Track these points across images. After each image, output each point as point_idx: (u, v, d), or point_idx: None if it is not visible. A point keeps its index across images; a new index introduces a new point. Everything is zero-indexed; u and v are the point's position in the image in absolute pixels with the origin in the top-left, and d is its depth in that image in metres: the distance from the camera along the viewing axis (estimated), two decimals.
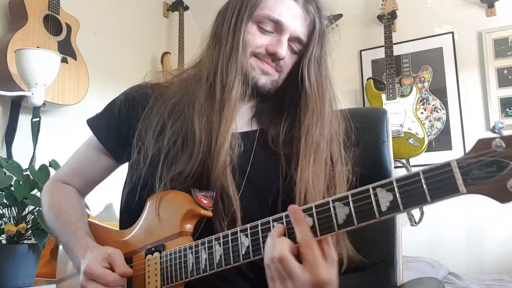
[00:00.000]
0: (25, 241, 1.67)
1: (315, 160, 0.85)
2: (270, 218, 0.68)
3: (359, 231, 0.83)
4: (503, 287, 2.08)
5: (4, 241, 1.65)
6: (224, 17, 0.91)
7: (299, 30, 0.89)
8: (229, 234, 0.71)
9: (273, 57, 0.88)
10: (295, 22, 0.88)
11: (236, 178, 0.84)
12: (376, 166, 1.16)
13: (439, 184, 0.54)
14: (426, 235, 2.72)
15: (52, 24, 2.20)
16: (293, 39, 0.89)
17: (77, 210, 0.97)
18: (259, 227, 0.68)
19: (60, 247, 1.06)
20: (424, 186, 0.55)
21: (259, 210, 0.85)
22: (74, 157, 1.05)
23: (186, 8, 3.28)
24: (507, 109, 2.72)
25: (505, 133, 0.52)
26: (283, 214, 0.67)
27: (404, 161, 2.79)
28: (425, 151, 2.74)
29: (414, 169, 2.51)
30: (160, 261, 0.79)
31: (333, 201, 0.62)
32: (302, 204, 0.79)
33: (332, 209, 0.62)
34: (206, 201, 0.80)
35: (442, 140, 2.86)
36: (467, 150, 0.54)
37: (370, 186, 0.60)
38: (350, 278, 0.93)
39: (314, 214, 0.63)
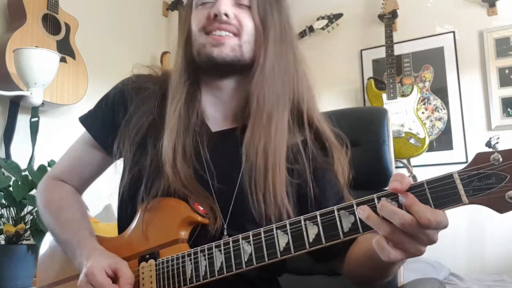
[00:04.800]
0: (24, 242, 1.67)
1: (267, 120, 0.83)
2: (274, 226, 0.68)
3: None
4: None
5: (2, 242, 1.65)
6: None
7: None
8: (231, 241, 0.72)
9: (217, 19, 0.82)
10: None
11: (230, 178, 0.84)
12: (377, 166, 1.16)
13: (442, 194, 0.58)
14: None
15: (51, 23, 2.19)
16: None
17: (80, 209, 0.96)
18: (262, 235, 0.69)
19: (42, 251, 1.03)
20: (428, 196, 0.58)
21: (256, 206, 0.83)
22: (67, 154, 1.03)
23: None
24: (509, 109, 2.71)
25: (500, 147, 0.57)
26: (287, 221, 0.68)
27: (405, 161, 2.78)
28: (426, 151, 2.73)
29: (415, 169, 2.49)
30: (156, 268, 0.78)
31: (338, 209, 0.64)
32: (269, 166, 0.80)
33: (337, 217, 0.64)
34: (202, 208, 0.80)
35: (443, 140, 2.85)
36: (467, 163, 0.58)
37: (375, 196, 0.62)
38: None
39: (319, 221, 0.65)
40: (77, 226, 0.90)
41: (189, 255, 0.75)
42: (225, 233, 0.81)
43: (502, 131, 2.69)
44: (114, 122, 0.93)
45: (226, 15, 0.81)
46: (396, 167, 2.78)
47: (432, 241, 0.59)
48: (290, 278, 1.01)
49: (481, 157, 0.57)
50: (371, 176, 1.16)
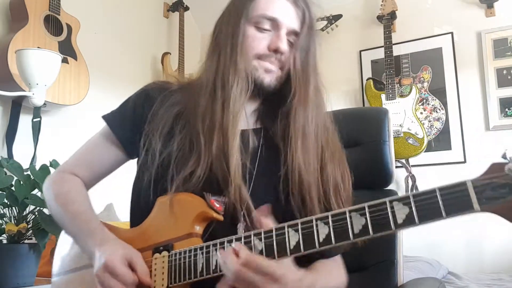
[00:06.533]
0: (26, 241, 1.67)
1: (303, 143, 0.88)
2: (286, 224, 0.70)
3: None
4: (502, 287, 2.08)
5: (4, 241, 1.65)
6: (221, 24, 0.95)
7: (294, 23, 0.92)
8: (242, 237, 0.73)
9: (275, 53, 0.90)
10: (289, 16, 0.92)
11: (246, 176, 0.87)
12: (378, 166, 1.17)
13: (454, 201, 0.58)
14: (426, 235, 2.72)
15: (53, 24, 2.20)
16: (289, 33, 0.92)
17: (87, 201, 0.98)
18: (274, 232, 0.70)
19: (61, 239, 1.05)
20: (440, 202, 0.59)
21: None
22: (83, 148, 1.06)
23: (186, 8, 3.29)
24: (506, 109, 2.73)
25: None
26: (299, 221, 0.69)
27: (403, 161, 2.80)
28: (425, 151, 2.75)
29: (413, 169, 2.51)
30: (168, 260, 0.80)
31: (350, 211, 0.65)
32: (297, 187, 0.84)
33: (348, 219, 0.64)
34: (218, 205, 0.83)
35: (441, 140, 2.87)
36: (482, 172, 0.58)
37: (387, 199, 0.62)
38: (351, 278, 0.93)
39: (330, 222, 0.66)
40: (85, 217, 0.92)
41: (201, 248, 0.77)
42: (242, 230, 0.83)
43: (500, 131, 2.71)
44: (135, 120, 0.97)
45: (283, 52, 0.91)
46: (395, 167, 2.79)
47: None
48: None
49: (496, 167, 0.57)
50: (372, 176, 1.17)
